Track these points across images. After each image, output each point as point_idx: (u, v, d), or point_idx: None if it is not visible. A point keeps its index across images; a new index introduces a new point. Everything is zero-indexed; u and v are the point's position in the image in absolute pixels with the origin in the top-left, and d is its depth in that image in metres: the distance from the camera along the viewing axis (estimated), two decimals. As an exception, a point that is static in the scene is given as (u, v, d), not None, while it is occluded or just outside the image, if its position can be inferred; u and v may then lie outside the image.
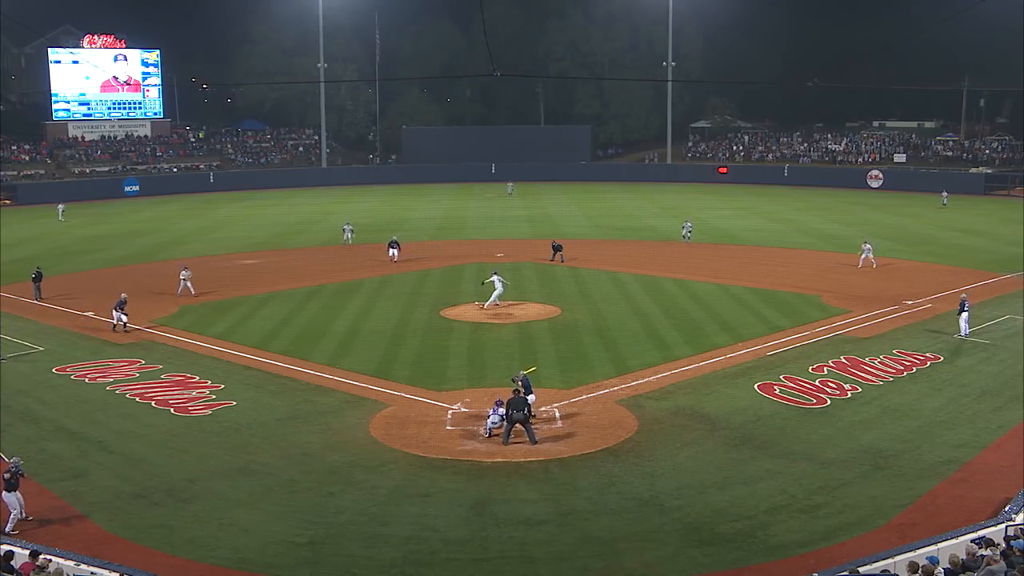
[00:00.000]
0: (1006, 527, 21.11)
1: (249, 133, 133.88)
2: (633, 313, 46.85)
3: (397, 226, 78.17)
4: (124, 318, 42.96)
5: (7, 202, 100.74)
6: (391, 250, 61.07)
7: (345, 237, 67.96)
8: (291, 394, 34.66)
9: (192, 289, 50.39)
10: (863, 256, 57.78)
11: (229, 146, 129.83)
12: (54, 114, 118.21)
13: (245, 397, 34.14)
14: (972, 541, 19.36)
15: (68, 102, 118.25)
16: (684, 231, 70.56)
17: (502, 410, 28.90)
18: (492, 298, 46.57)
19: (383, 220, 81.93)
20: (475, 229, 79.88)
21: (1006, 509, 23.09)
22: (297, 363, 38.44)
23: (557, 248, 61.69)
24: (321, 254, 66.31)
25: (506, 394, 29.54)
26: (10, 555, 19.16)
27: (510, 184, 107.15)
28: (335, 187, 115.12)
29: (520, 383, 30.14)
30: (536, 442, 28.82)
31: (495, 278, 46.74)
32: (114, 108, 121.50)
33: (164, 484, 26.79)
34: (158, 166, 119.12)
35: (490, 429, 29.41)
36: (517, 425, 28.90)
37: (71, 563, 20.37)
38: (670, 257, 63.65)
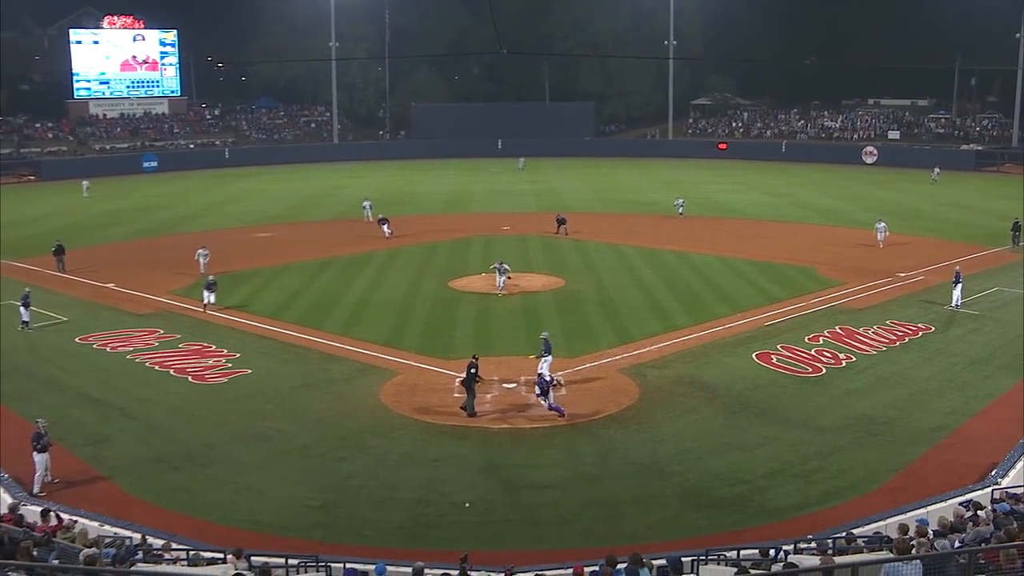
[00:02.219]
0: (992, 491, 21.16)
1: (263, 110, 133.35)
2: (635, 284, 46.76)
3: (406, 200, 78.02)
4: (212, 298, 42.12)
5: (32, 178, 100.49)
6: (383, 226, 60.64)
7: (365, 213, 67.15)
8: (304, 363, 34.69)
9: (203, 268, 48.67)
10: (879, 236, 55.85)
11: (244, 123, 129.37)
12: (75, 93, 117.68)
13: (260, 365, 34.19)
14: (960, 504, 19.39)
15: (89, 81, 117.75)
16: (677, 207, 69.56)
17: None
18: (500, 281, 44.98)
19: (392, 194, 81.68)
20: (482, 203, 79.66)
21: (992, 473, 23.19)
22: (310, 333, 38.46)
23: (561, 221, 61.52)
24: (333, 227, 66.17)
25: (513, 363, 29.51)
26: (21, 518, 19.22)
27: (521, 159, 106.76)
28: (346, 162, 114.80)
29: (542, 344, 30.75)
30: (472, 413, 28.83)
31: (498, 266, 45.40)
32: (133, 87, 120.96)
33: (183, 449, 26.88)
34: (175, 142, 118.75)
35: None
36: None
37: (95, 523, 20.48)
38: (671, 230, 63.47)
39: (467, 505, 23.38)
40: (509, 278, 45.42)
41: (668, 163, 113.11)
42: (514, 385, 31.51)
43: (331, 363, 34.60)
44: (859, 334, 37.46)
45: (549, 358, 30.62)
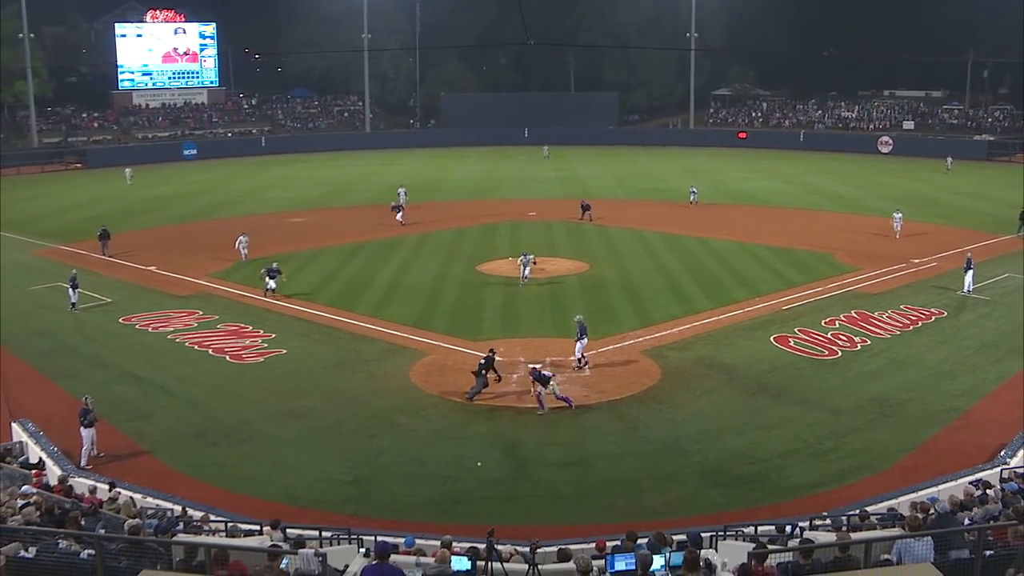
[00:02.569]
0: (1001, 470, 21.07)
1: (298, 100, 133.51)
2: (657, 269, 46.61)
3: (435, 186, 77.95)
4: (273, 284, 41.06)
5: (78, 166, 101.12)
6: (396, 214, 59.34)
7: (400, 199, 66.70)
8: (337, 343, 34.82)
9: (245, 255, 48.80)
10: (896, 226, 54.06)
11: (280, 112, 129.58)
12: (120, 84, 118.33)
13: (294, 346, 34.34)
14: (970, 483, 19.27)
15: (132, 73, 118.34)
16: (691, 195, 68.17)
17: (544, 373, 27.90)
18: (524, 271, 43.22)
19: (422, 181, 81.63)
20: (509, 189, 79.51)
21: (1001, 454, 23.05)
22: (342, 314, 38.57)
23: (586, 208, 61.33)
24: (365, 212, 66.22)
25: (539, 344, 29.42)
26: (70, 489, 19.44)
27: (545, 147, 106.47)
28: (378, 150, 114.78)
29: (577, 327, 30.67)
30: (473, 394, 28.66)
31: (523, 258, 43.63)
32: (174, 78, 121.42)
33: (221, 425, 27.08)
34: (214, 131, 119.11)
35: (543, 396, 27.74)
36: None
37: (139, 495, 20.68)
38: (692, 216, 63.14)
39: (479, 464, 23.47)
40: (535, 262, 44.74)
41: (689, 152, 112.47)
42: (539, 366, 31.47)
43: (363, 344, 34.70)
44: (874, 318, 37.21)
45: (584, 340, 30.64)
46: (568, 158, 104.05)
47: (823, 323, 36.55)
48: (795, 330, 35.64)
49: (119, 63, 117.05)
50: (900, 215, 55.32)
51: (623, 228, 58.14)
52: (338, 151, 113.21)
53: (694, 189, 68.88)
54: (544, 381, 27.45)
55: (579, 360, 30.77)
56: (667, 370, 31.16)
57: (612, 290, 42.39)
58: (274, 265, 42.17)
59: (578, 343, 30.90)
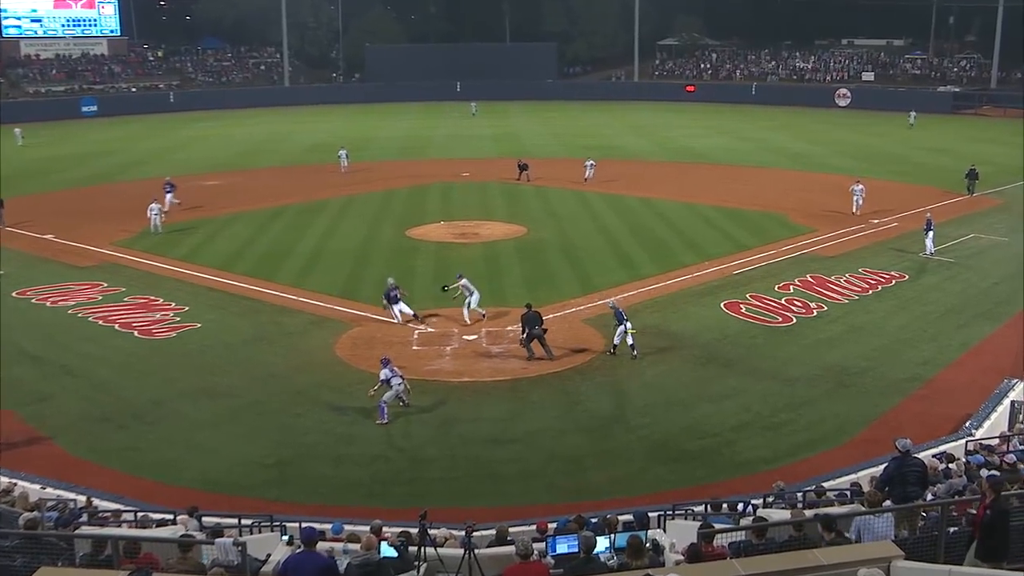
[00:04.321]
0: (966, 442, 21.50)
1: (209, 52, 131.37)
2: (599, 232, 46.84)
3: (361, 145, 77.30)
4: (404, 308, 32.98)
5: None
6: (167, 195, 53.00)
7: (341, 163, 65.60)
8: (256, 315, 34.52)
9: (157, 225, 47.20)
10: (856, 200, 49.70)
11: (189, 65, 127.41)
12: (4, 31, 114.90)
13: (210, 319, 33.97)
14: (933, 456, 19.67)
15: (19, 18, 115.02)
16: (587, 170, 60.90)
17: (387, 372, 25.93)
18: (473, 305, 33.15)
19: (347, 139, 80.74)
20: (441, 148, 79.20)
21: (966, 425, 23.51)
22: (262, 284, 38.24)
23: (523, 167, 61.34)
24: (285, 174, 65.58)
25: (475, 314, 29.40)
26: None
27: (473, 104, 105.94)
28: (298, 107, 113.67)
29: (613, 312, 30.37)
30: (553, 357, 29.28)
31: (463, 282, 33.29)
32: (68, 25, 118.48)
33: (130, 407, 26.71)
34: (116, 86, 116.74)
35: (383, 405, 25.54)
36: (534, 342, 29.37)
37: (37, 486, 20.34)
38: (636, 175, 63.46)
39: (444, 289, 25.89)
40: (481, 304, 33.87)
41: (634, 106, 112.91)
42: (475, 337, 31.54)
43: (284, 316, 34.44)
44: (831, 282, 37.79)
45: (626, 324, 29.81)
46: (504, 114, 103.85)
47: (777, 288, 37.01)
48: (747, 296, 36.04)
49: (2, 6, 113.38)
50: (861, 187, 50.29)
51: (563, 189, 58.25)
52: (254, 107, 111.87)
53: (591, 162, 61.67)
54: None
55: (631, 348, 29.84)
56: (611, 340, 31.34)
57: (551, 255, 42.53)
58: (390, 281, 33.62)
59: (619, 328, 29.89)
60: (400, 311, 32.53)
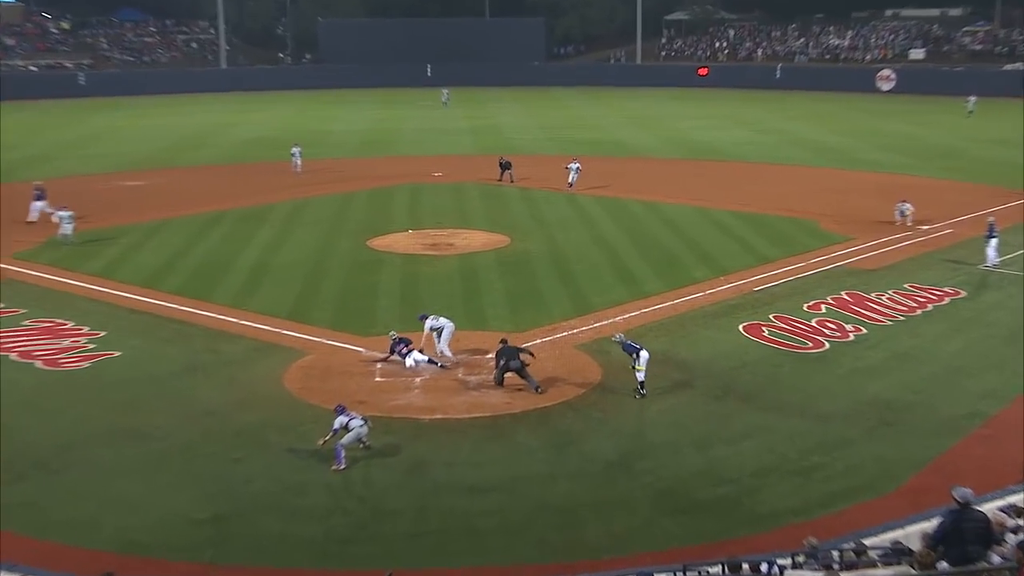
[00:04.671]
0: (1040, 493, 21.48)
1: (128, 24, 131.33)
2: (595, 242, 46.99)
3: (315, 140, 77.37)
4: (446, 351, 31.94)
5: None
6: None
7: (294, 161, 65.46)
8: (188, 341, 34.42)
9: (66, 235, 47.02)
10: (899, 218, 49.31)
11: (103, 40, 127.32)
12: None
13: (132, 346, 33.85)
14: (999, 509, 19.62)
15: None
16: (570, 175, 60.27)
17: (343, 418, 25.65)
18: (441, 344, 32.17)
19: (297, 133, 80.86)
20: (409, 143, 79.34)
21: (1040, 471, 23.50)
22: (195, 304, 38.14)
23: (505, 166, 61.52)
24: (223, 173, 65.59)
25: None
26: None
27: (445, 91, 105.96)
28: (237, 93, 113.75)
29: (621, 347, 29.89)
30: (539, 389, 29.17)
31: (429, 324, 32.14)
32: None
33: (30, 453, 26.39)
34: (11, 63, 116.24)
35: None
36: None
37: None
38: (638, 175, 63.70)
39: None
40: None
41: (636, 93, 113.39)
42: (449, 366, 31.56)
43: (222, 342, 34.38)
44: (870, 301, 37.92)
45: (644, 356, 29.38)
46: (483, 102, 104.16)
47: (806, 308, 37.13)
48: (770, 317, 36.15)
49: None
50: (910, 207, 49.60)
51: (552, 191, 58.42)
52: (184, 93, 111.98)
53: (575, 164, 60.56)
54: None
55: (639, 386, 29.34)
56: (609, 369, 31.34)
57: (539, 269, 42.64)
58: (393, 334, 31.99)
59: (637, 360, 29.30)
60: (440, 351, 31.63)
